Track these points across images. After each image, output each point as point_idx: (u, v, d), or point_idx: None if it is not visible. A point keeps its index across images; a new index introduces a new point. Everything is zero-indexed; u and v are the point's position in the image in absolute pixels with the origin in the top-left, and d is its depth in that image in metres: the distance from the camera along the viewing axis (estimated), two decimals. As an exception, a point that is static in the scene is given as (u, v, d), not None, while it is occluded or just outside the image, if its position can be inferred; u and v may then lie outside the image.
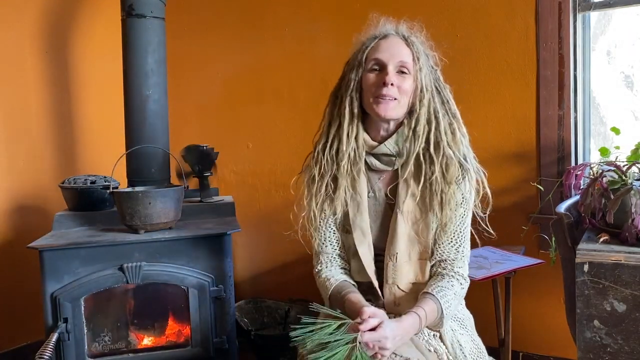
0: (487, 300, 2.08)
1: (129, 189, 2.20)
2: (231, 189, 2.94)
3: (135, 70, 2.35)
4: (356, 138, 1.43)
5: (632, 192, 1.37)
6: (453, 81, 2.30)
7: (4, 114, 2.53)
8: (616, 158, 1.65)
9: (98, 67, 2.88)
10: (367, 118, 1.46)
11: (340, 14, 2.57)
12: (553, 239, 1.91)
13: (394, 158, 1.44)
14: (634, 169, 1.50)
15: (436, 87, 1.44)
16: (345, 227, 1.50)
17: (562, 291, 1.62)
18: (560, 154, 2.15)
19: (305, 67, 2.71)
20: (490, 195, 1.46)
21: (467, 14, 2.30)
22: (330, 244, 1.51)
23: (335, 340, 1.23)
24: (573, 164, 2.15)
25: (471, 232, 1.48)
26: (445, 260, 1.43)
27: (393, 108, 1.39)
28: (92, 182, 2.29)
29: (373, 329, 1.23)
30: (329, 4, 2.60)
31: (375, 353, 1.23)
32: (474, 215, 1.48)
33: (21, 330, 2.52)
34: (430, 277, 1.44)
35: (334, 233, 1.51)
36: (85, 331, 2.04)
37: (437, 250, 1.43)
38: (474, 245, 1.51)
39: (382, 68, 1.40)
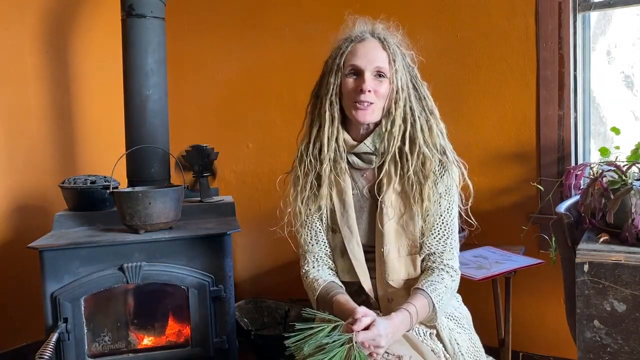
0: (487, 300, 2.08)
1: (129, 189, 2.20)
2: (231, 189, 2.93)
3: (135, 70, 2.34)
4: (337, 139, 1.47)
5: (632, 192, 1.38)
6: (453, 81, 2.33)
7: (4, 114, 2.53)
8: (616, 158, 1.65)
9: (98, 67, 2.88)
10: (347, 119, 1.50)
11: (340, 14, 2.56)
12: (553, 239, 1.91)
13: (373, 156, 1.47)
14: (634, 169, 1.50)
15: (413, 85, 1.48)
16: (332, 227, 1.52)
17: (562, 291, 1.62)
18: (560, 154, 2.15)
19: (305, 67, 2.70)
20: (471, 187, 1.48)
21: (467, 14, 2.30)
22: (317, 243, 1.53)
23: (332, 342, 1.23)
24: (573, 164, 2.15)
25: (460, 223, 1.51)
26: (434, 254, 1.44)
27: (371, 113, 1.43)
28: (92, 182, 2.29)
29: (366, 328, 1.24)
30: (329, 4, 2.60)
31: (370, 352, 1.24)
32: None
33: (21, 330, 2.52)
34: (422, 272, 1.46)
35: (320, 232, 1.53)
36: (85, 331, 2.04)
37: (425, 244, 1.45)
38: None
39: (359, 74, 1.43)
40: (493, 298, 2.08)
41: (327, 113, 1.46)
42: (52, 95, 2.71)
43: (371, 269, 1.47)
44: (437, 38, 2.34)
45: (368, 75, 1.42)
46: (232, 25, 2.90)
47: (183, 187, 2.18)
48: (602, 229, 1.47)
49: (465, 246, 2.08)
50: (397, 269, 1.44)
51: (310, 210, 1.51)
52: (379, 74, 1.43)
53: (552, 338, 2.22)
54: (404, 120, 1.44)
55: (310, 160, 1.49)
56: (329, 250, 1.53)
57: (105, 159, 2.58)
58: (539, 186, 2.14)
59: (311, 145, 1.50)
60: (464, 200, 1.50)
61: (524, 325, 2.23)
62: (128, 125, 2.38)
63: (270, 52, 2.81)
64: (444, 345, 1.42)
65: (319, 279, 1.47)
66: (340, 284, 1.49)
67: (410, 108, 1.45)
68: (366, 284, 1.46)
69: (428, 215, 1.42)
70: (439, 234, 1.44)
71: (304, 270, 1.53)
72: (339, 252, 1.51)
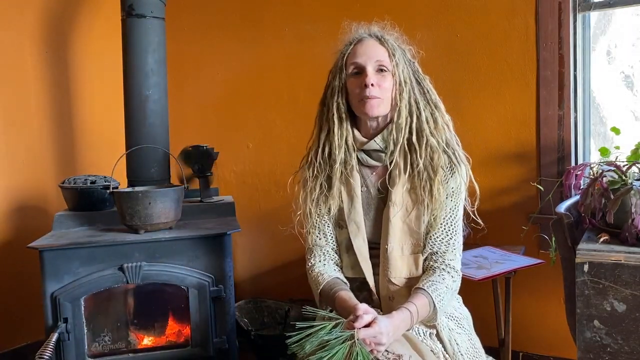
0: (487, 300, 2.08)
1: (129, 189, 2.20)
2: (231, 189, 2.93)
3: (135, 70, 2.34)
4: (346, 140, 1.49)
5: (632, 192, 1.38)
6: (453, 81, 2.33)
7: (4, 114, 2.53)
8: (616, 158, 1.65)
9: (98, 67, 2.88)
10: (356, 118, 1.52)
11: (340, 14, 2.56)
12: (553, 239, 1.91)
13: (382, 154, 1.48)
14: (634, 169, 1.50)
15: (416, 79, 1.50)
16: (339, 223, 1.53)
17: (562, 291, 1.62)
18: (560, 154, 2.15)
19: (305, 67, 2.71)
20: (477, 190, 1.49)
21: (467, 14, 2.30)
22: (325, 237, 1.54)
23: (334, 339, 1.24)
24: (573, 164, 2.15)
25: (464, 225, 1.51)
26: (437, 253, 1.45)
27: (378, 105, 1.45)
28: (92, 182, 2.29)
29: (367, 325, 1.25)
30: (329, 4, 2.60)
31: (371, 350, 1.25)
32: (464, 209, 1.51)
33: (21, 330, 2.52)
34: (424, 271, 1.46)
35: (329, 227, 1.54)
36: (85, 331, 2.04)
37: (429, 243, 1.46)
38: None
39: (361, 71, 1.46)
40: (493, 298, 2.08)
41: (335, 115, 1.49)
42: (52, 95, 2.71)
43: (375, 266, 1.48)
44: (437, 38, 2.34)
45: (370, 70, 1.44)
46: (232, 25, 2.90)
47: (183, 187, 2.18)
48: (602, 229, 1.47)
49: (465, 246, 2.07)
50: (400, 267, 1.45)
51: (320, 210, 1.53)
52: (381, 69, 1.45)
53: (552, 338, 2.22)
54: (410, 113, 1.46)
55: (320, 163, 1.51)
56: (336, 245, 1.55)
57: (105, 159, 2.58)
58: (539, 186, 2.14)
59: (320, 149, 1.52)
60: (469, 202, 1.51)
61: (524, 325, 2.23)
62: (128, 125, 2.38)
63: (270, 52, 2.81)
64: (443, 346, 1.42)
65: (324, 273, 1.48)
66: (344, 280, 1.50)
67: (415, 101, 1.47)
68: (370, 280, 1.47)
69: (437, 212, 1.43)
70: (442, 233, 1.46)
71: (310, 264, 1.54)
72: (345, 248, 1.52)
